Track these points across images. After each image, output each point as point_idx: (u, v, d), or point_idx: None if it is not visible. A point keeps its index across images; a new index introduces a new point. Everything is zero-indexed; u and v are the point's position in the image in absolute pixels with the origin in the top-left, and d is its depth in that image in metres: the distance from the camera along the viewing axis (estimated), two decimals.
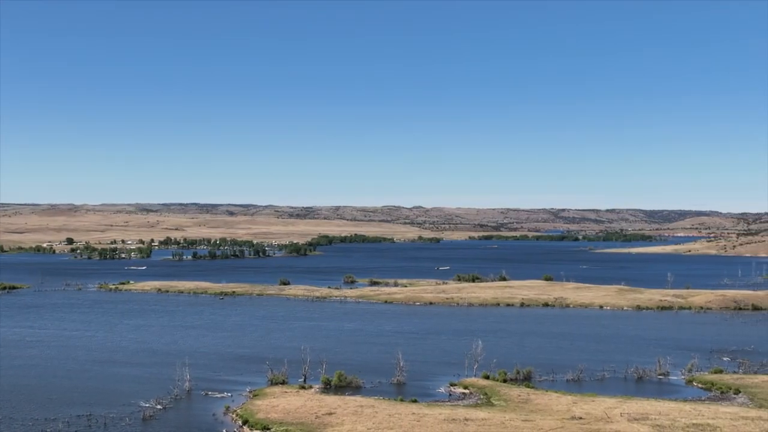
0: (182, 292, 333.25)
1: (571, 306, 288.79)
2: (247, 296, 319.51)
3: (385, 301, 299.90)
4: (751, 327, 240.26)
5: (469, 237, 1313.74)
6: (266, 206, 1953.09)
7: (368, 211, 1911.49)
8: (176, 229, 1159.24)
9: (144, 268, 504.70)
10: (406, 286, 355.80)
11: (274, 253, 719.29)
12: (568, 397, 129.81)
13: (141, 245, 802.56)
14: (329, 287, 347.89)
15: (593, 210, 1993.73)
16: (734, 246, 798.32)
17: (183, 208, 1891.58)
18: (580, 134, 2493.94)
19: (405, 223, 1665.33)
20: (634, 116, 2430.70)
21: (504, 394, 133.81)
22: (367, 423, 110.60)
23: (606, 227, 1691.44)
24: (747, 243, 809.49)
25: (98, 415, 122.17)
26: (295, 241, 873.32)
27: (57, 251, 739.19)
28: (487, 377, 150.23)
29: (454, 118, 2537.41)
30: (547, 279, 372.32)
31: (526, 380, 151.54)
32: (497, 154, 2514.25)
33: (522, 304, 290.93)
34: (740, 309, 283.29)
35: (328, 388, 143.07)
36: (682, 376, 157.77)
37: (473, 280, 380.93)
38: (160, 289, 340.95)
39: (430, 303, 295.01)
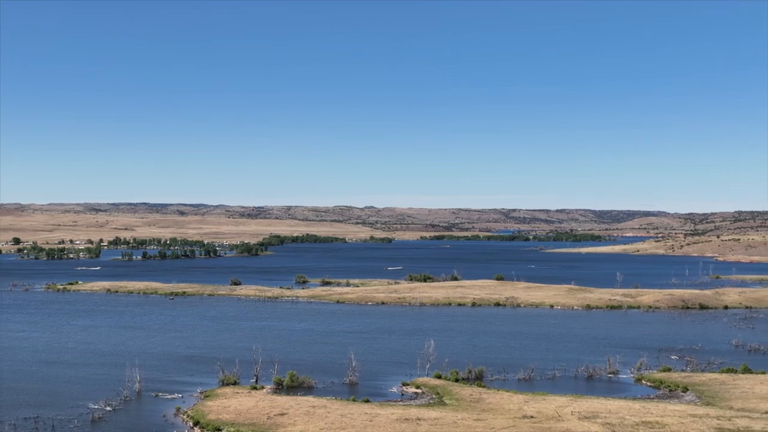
0: (132, 293, 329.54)
1: (522, 305, 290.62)
2: (197, 296, 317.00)
3: (337, 301, 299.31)
4: (698, 326, 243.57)
5: (421, 237, 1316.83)
6: (217, 206, 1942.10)
7: (320, 211, 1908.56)
8: (126, 229, 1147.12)
9: (98, 268, 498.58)
10: (358, 286, 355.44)
11: (226, 253, 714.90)
12: (519, 396, 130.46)
13: (90, 245, 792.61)
14: (281, 287, 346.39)
15: (544, 210, 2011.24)
16: (681, 246, 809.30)
17: (133, 207, 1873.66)
18: (531, 135, 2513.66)
19: (357, 223, 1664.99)
20: (584, 118, 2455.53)
21: (456, 394, 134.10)
22: (320, 423, 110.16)
23: (556, 227, 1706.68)
24: (694, 243, 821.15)
25: (46, 418, 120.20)
26: (246, 241, 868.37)
27: (3, 251, 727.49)
28: (439, 377, 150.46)
29: (406, 119, 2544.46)
30: (499, 279, 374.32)
31: (478, 379, 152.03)
32: (449, 155, 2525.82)
33: (474, 304, 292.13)
34: (688, 308, 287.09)
35: (280, 388, 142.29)
36: (632, 375, 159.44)
37: (425, 280, 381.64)
38: (109, 290, 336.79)
39: (382, 303, 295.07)
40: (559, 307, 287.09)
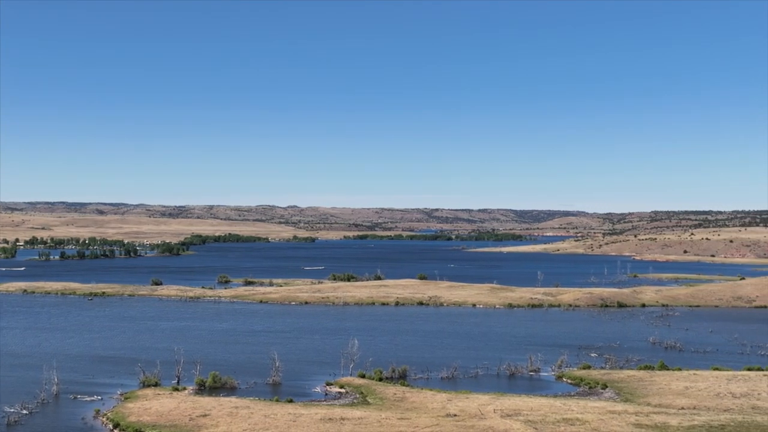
0: (49, 293, 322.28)
1: (445, 304, 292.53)
2: (117, 297, 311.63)
3: (261, 301, 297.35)
4: (616, 324, 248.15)
5: (344, 236, 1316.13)
6: (137, 205, 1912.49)
7: (243, 211, 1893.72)
8: (43, 229, 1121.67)
9: (23, 269, 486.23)
10: (281, 286, 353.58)
11: (146, 253, 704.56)
12: (443, 395, 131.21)
13: (5, 245, 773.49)
14: (203, 287, 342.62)
15: (466, 210, 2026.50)
16: (600, 245, 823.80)
17: (50, 207, 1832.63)
18: (453, 136, 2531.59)
19: (280, 223, 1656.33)
20: (504, 120, 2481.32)
21: (380, 393, 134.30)
22: (243, 424, 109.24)
23: (478, 227, 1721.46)
24: (612, 242, 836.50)
25: None
26: (167, 241, 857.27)
27: None
28: (363, 376, 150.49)
29: (329, 118, 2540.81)
30: (422, 278, 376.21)
31: (402, 378, 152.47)
32: (372, 154, 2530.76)
33: (397, 303, 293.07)
34: (606, 306, 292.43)
35: (202, 389, 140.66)
36: (553, 373, 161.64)
37: (349, 280, 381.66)
38: (26, 290, 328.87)
39: (306, 302, 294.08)
40: (481, 306, 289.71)
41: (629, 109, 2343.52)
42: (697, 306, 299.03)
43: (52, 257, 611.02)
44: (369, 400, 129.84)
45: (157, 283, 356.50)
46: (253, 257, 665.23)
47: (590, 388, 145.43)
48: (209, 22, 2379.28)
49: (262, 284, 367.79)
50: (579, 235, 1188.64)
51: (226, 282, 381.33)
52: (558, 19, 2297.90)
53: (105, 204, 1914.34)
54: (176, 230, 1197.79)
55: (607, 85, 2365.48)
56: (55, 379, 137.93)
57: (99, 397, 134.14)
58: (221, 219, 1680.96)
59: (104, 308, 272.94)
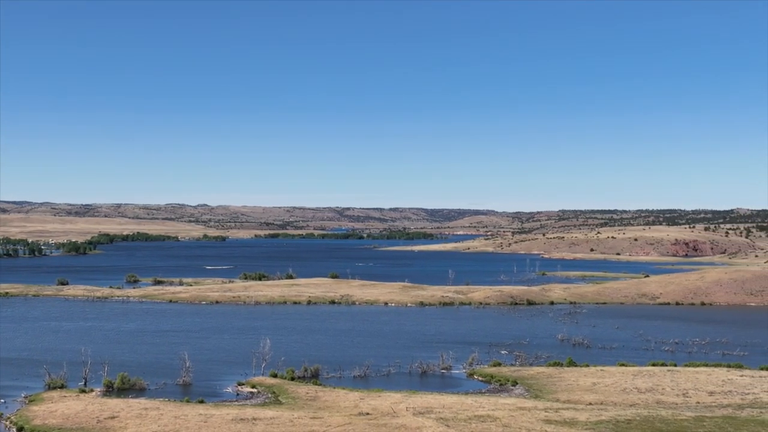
0: None
1: (357, 303, 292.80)
2: (21, 297, 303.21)
3: (170, 301, 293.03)
4: (526, 321, 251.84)
5: (255, 235, 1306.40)
6: (42, 203, 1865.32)
7: (151, 209, 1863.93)
8: None
9: None
10: (191, 285, 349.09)
11: (52, 252, 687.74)
12: (355, 394, 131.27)
13: None
14: (111, 287, 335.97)
15: (377, 209, 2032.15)
16: (510, 244, 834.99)
17: None
18: (364, 135, 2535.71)
19: (190, 221, 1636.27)
20: (415, 120, 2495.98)
21: (292, 392, 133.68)
22: (152, 426, 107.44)
23: (390, 226, 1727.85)
24: (521, 241, 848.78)
25: None
26: (74, 240, 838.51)
27: None
28: (275, 375, 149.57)
29: (239, 116, 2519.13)
30: (334, 277, 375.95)
31: (314, 378, 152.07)
32: (283, 153, 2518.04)
33: (309, 302, 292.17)
34: (516, 304, 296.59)
35: (110, 391, 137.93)
36: (464, 370, 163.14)
37: (260, 279, 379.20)
38: None
39: (217, 302, 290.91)
40: (393, 305, 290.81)
41: (536, 111, 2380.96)
42: (604, 303, 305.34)
43: None
44: (281, 400, 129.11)
45: (63, 283, 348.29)
46: (162, 256, 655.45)
47: (501, 385, 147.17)
48: (109, 24, 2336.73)
49: (171, 284, 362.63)
50: (489, 233, 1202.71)
51: (135, 281, 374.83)
52: (471, 22, 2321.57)
53: (7, 202, 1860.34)
54: (83, 229, 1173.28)
55: (514, 88, 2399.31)
56: None
57: (2, 400, 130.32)
58: (129, 218, 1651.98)
59: (7, 308, 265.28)
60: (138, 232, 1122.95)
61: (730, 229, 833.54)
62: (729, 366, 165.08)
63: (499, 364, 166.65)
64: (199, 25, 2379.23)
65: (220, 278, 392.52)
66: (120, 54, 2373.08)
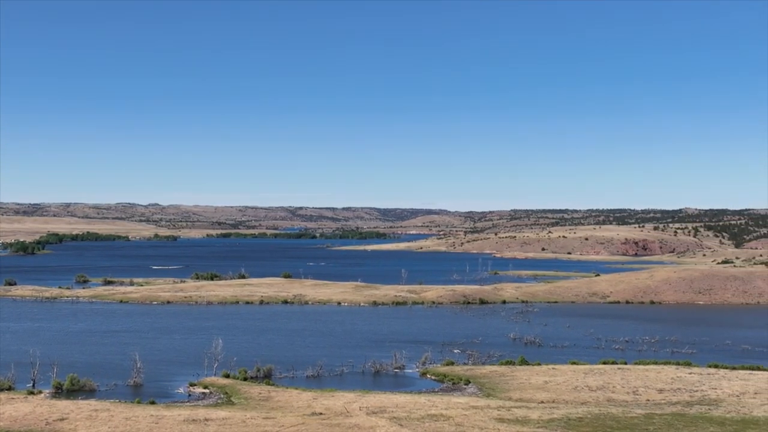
0: None
1: (310, 303, 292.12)
2: None
3: (121, 301, 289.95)
4: (478, 320, 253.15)
5: (207, 235, 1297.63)
6: None
7: (102, 209, 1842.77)
8: None
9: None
10: (142, 285, 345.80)
11: None
12: (308, 393, 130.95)
13: None
14: (60, 287, 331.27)
15: (330, 208, 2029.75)
16: (462, 243, 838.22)
17: None
18: (315, 135, 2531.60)
19: (141, 221, 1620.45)
20: (367, 119, 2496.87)
21: (245, 393, 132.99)
22: (102, 428, 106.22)
23: (342, 225, 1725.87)
24: (473, 240, 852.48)
25: None
26: (22, 240, 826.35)
27: None
28: (227, 376, 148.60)
29: (190, 113, 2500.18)
30: (286, 276, 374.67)
31: (267, 378, 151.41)
32: (235, 152, 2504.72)
33: (261, 302, 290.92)
34: (469, 303, 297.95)
35: (59, 392, 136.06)
36: (417, 369, 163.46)
37: (212, 279, 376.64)
38: None
39: (168, 302, 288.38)
40: (346, 304, 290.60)
41: (488, 112, 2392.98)
42: (555, 302, 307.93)
43: None
44: (234, 400, 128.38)
45: (10, 283, 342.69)
46: (112, 256, 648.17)
47: (454, 384, 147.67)
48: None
49: (122, 284, 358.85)
50: (441, 233, 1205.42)
51: (85, 281, 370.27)
52: (426, 25, 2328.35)
53: None
54: (31, 229, 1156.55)
55: (466, 91, 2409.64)
56: None
57: None
58: (79, 217, 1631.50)
59: None
60: (88, 232, 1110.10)
61: (678, 228, 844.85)
62: (678, 364, 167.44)
63: (452, 363, 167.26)
64: (149, 27, 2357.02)
65: (172, 278, 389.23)
66: (63, 52, 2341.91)
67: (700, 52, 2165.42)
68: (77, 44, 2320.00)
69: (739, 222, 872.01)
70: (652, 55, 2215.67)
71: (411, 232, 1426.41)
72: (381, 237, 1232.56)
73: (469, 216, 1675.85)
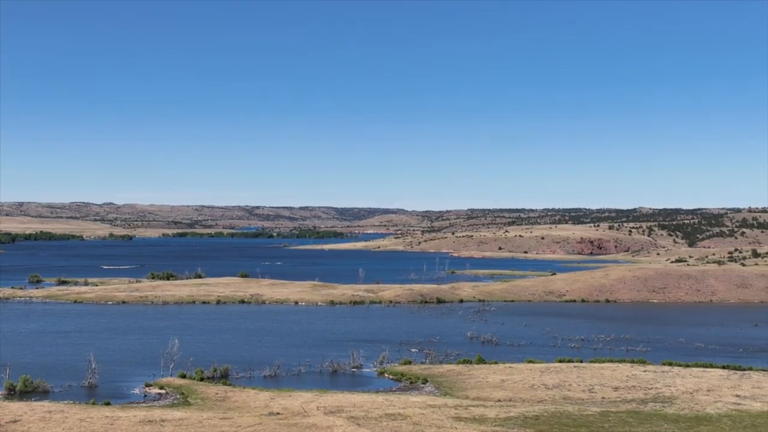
0: None
1: (268, 302, 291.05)
2: None
3: (75, 301, 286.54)
4: (435, 319, 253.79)
5: (163, 234, 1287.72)
6: None
7: (56, 208, 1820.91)
8: None
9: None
10: (97, 285, 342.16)
11: None
12: (265, 393, 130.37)
13: None
14: (13, 287, 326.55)
15: (287, 207, 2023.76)
16: (419, 242, 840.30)
17: None
18: (273, 134, 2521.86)
19: (96, 220, 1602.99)
20: (323, 119, 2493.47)
21: (201, 393, 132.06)
22: (56, 429, 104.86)
23: (300, 224, 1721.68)
24: (431, 239, 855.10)
25: None
26: None
27: None
28: (183, 376, 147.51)
29: (146, 113, 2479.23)
30: (243, 276, 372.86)
31: (224, 378, 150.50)
32: (191, 151, 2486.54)
33: (218, 302, 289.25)
34: (426, 302, 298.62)
35: (12, 394, 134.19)
36: (375, 369, 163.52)
37: (168, 278, 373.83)
38: None
39: (123, 302, 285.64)
40: (303, 304, 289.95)
41: (444, 112, 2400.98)
42: (512, 301, 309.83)
43: None
44: (190, 401, 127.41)
45: None
46: (66, 256, 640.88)
47: (411, 383, 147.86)
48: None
49: (76, 284, 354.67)
50: (399, 232, 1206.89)
51: (38, 282, 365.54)
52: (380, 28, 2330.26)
53: None
54: None
55: (422, 91, 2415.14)
56: None
57: None
58: (32, 216, 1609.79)
59: None
60: (41, 231, 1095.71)
61: (633, 227, 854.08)
62: (633, 362, 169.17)
63: (410, 363, 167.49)
64: (99, 29, 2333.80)
65: (127, 278, 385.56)
66: (12, 54, 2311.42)
67: (657, 56, 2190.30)
68: (20, 43, 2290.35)
69: (692, 221, 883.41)
70: (605, 60, 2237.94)
71: (368, 232, 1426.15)
72: (338, 236, 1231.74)
73: (427, 215, 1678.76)
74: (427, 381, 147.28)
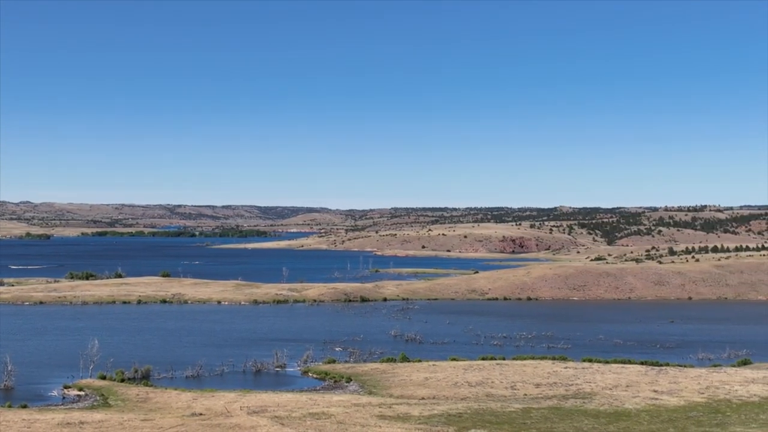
0: None
1: (190, 302, 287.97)
2: None
3: None
4: (359, 318, 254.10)
5: (82, 233, 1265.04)
6: None
7: None
8: None
9: None
10: (13, 285, 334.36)
11: None
12: (188, 394, 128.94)
13: None
14: None
15: (210, 206, 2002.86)
16: (343, 241, 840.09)
17: None
18: (194, 132, 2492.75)
19: (12, 219, 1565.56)
20: (248, 117, 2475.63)
21: (122, 394, 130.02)
22: None
23: (222, 223, 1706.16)
24: (355, 238, 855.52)
25: None
26: None
27: None
28: (103, 377, 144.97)
29: (65, 108, 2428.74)
30: (165, 275, 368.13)
31: (145, 379, 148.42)
32: (111, 149, 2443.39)
33: (139, 302, 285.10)
34: (350, 301, 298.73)
35: None
36: (299, 368, 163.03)
37: (87, 278, 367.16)
38: None
39: (41, 302, 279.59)
40: (226, 303, 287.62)
41: (368, 111, 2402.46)
42: (435, 299, 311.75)
43: None
44: (110, 402, 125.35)
45: None
46: None
47: (335, 381, 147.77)
48: None
49: None
50: (323, 231, 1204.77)
51: None
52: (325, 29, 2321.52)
53: None
54: None
55: (347, 90, 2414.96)
56: None
57: None
58: None
59: None
60: None
61: (554, 226, 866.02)
62: (554, 358, 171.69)
63: (334, 361, 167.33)
64: (31, 28, 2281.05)
65: (45, 278, 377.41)
66: None
67: (570, 59, 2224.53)
68: None
69: (611, 220, 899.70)
70: (523, 61, 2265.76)
71: (292, 230, 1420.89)
72: (262, 235, 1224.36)
73: (350, 214, 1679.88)
74: (351, 380, 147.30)
